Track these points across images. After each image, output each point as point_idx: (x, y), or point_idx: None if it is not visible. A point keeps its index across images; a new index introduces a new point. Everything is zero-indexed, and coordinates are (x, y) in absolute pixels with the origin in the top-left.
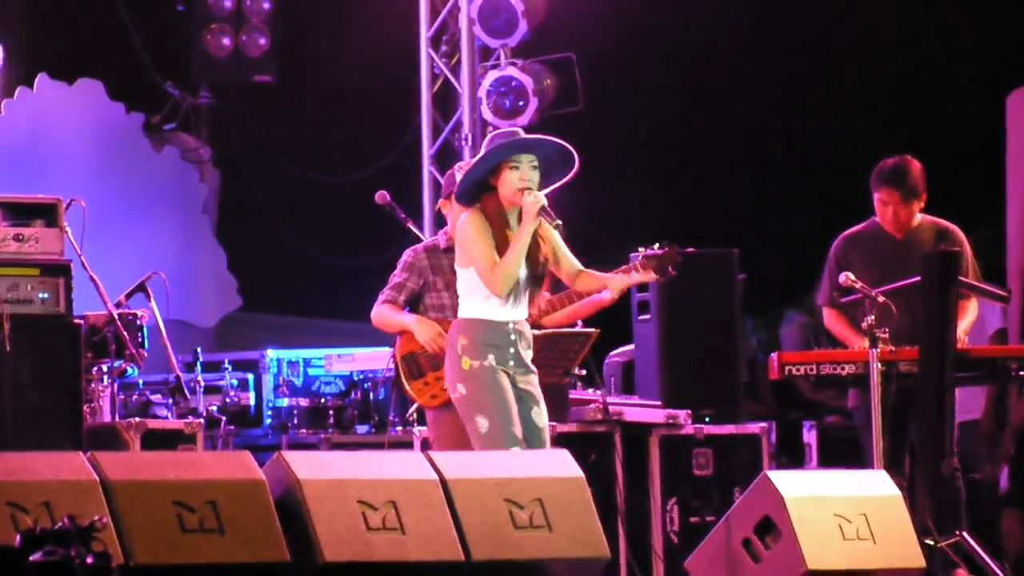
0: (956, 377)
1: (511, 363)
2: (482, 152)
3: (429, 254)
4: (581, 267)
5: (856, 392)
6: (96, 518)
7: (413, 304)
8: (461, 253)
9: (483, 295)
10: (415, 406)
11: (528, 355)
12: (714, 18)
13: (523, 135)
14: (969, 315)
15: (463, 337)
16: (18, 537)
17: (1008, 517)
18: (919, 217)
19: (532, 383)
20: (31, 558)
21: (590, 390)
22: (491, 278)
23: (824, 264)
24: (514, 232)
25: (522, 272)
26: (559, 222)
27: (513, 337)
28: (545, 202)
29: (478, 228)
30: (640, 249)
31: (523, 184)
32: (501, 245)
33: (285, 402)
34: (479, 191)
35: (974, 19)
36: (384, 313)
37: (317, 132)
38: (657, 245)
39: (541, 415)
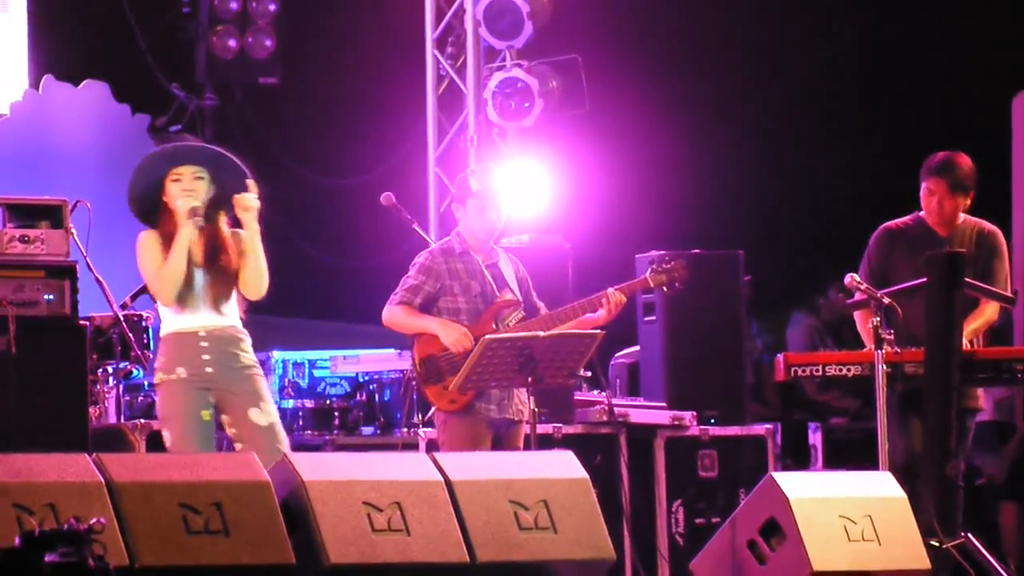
0: (961, 379)
1: (208, 370)
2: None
3: (446, 257)
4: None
5: None
6: (94, 520)
7: (426, 307)
8: (142, 273)
9: (169, 311)
10: (432, 410)
11: (238, 356)
12: (718, 19)
13: (180, 146)
14: (984, 317)
15: (160, 356)
16: (17, 539)
17: (1006, 512)
18: (963, 217)
19: (248, 383)
20: (47, 559)
21: (595, 391)
22: (156, 287)
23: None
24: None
25: (200, 278)
26: (199, 218)
27: (205, 344)
28: (196, 204)
29: (146, 245)
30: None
31: (183, 194)
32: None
33: (290, 403)
34: (157, 209)
35: (980, 20)
36: (400, 315)
37: (322, 134)
38: (666, 258)
39: (264, 413)
